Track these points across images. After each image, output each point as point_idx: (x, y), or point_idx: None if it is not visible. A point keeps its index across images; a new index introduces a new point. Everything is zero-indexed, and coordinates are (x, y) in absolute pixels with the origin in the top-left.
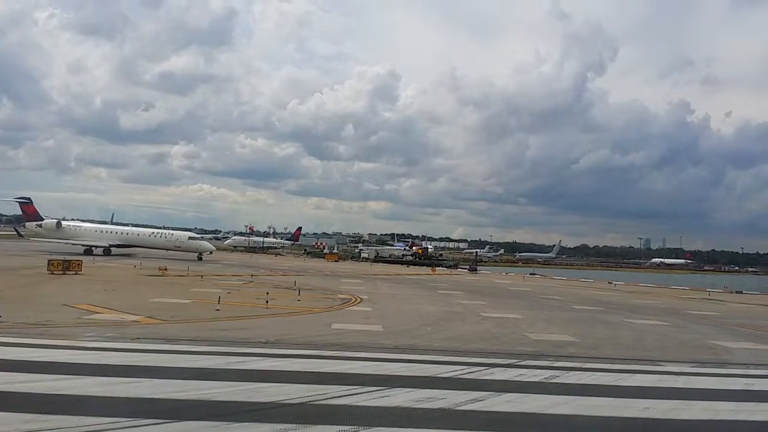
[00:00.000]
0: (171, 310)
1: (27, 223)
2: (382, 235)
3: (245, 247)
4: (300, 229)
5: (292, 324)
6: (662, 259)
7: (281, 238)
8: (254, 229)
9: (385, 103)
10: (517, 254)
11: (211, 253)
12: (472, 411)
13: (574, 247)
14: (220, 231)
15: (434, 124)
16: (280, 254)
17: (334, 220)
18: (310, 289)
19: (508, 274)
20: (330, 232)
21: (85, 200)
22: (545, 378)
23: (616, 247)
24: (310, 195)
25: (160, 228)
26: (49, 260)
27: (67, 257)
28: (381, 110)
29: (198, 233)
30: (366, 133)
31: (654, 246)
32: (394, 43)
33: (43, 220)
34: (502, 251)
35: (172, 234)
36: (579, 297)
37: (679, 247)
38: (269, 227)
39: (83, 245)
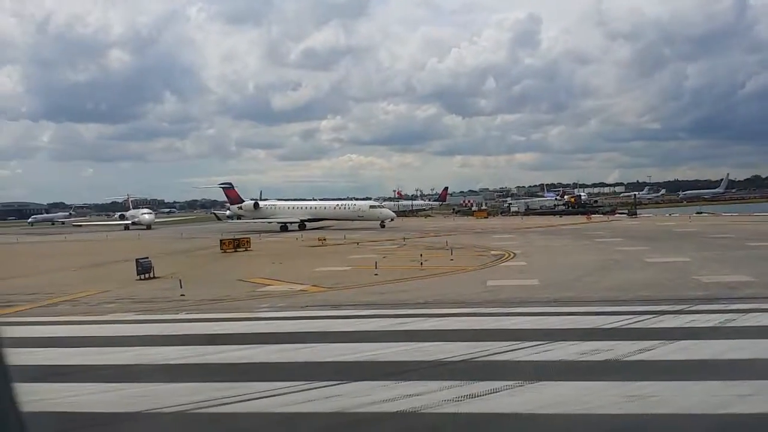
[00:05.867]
0: (333, 278)
1: (230, 206)
2: (530, 186)
3: (395, 211)
4: (446, 188)
5: (448, 283)
6: None
7: (429, 200)
8: (402, 193)
9: (527, 50)
10: (680, 193)
11: (392, 220)
12: (642, 361)
13: (745, 180)
14: (370, 198)
15: (581, 64)
16: (429, 215)
17: (481, 176)
18: (461, 247)
19: (672, 215)
20: (477, 188)
21: (248, 181)
22: (720, 323)
23: None
24: (454, 154)
25: (344, 199)
26: (221, 240)
27: (262, 234)
28: (522, 57)
29: None
30: (508, 84)
31: None
32: None
33: (243, 202)
34: (663, 191)
35: (355, 204)
36: (754, 233)
37: None
38: (416, 190)
39: (279, 222)
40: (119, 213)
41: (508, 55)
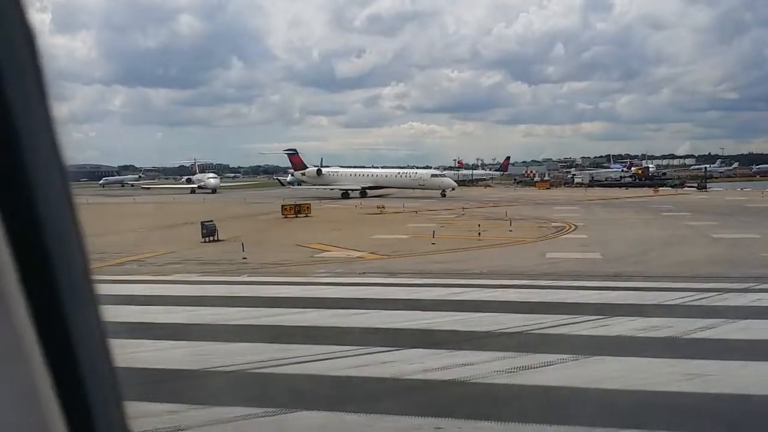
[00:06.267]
0: (391, 246)
1: (294, 172)
2: (596, 157)
3: (455, 180)
4: (508, 158)
5: (506, 255)
6: None
7: (490, 170)
8: (462, 163)
9: (599, 14)
10: (754, 167)
11: (453, 189)
12: (703, 339)
13: None
14: (430, 166)
15: (655, 29)
16: (489, 185)
17: (545, 146)
18: (521, 218)
19: (744, 190)
20: (540, 159)
21: (310, 148)
22: None
23: None
24: (518, 123)
25: (405, 168)
26: (282, 205)
27: (309, 201)
28: (594, 22)
29: None
30: (577, 50)
31: None
32: None
33: (306, 168)
34: (736, 165)
35: (416, 173)
36: None
37: None
38: (477, 159)
39: (341, 189)
40: (186, 177)
41: (579, 19)
